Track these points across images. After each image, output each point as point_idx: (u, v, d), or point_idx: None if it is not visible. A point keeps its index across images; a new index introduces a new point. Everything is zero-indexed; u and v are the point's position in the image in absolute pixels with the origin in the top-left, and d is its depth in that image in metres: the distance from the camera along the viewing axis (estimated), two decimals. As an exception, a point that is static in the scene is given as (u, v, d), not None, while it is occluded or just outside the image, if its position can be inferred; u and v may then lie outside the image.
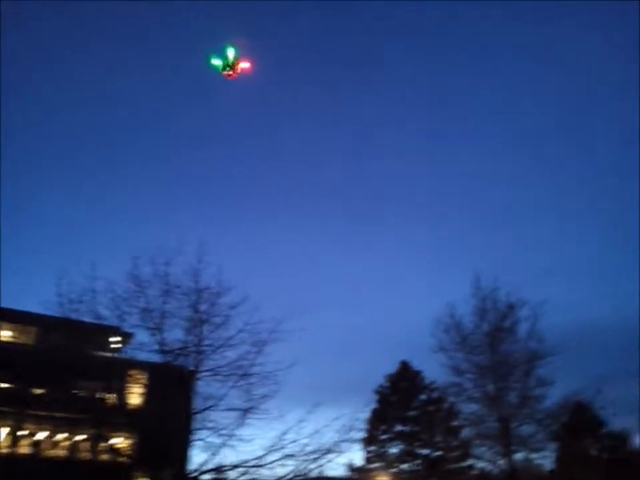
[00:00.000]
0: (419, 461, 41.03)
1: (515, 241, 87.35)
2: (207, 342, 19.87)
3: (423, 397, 42.71)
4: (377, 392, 42.29)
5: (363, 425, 33.26)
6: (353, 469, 40.32)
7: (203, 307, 20.01)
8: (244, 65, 14.45)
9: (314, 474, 20.21)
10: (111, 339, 23.11)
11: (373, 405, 40.55)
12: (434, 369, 33.31)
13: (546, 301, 29.76)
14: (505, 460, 29.18)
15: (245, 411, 19.59)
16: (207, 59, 14.41)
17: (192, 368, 19.88)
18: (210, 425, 19.43)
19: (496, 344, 29.89)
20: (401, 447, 41.82)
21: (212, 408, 19.56)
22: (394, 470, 39.67)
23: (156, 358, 20.30)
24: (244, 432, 19.40)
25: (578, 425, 34.80)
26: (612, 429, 39.00)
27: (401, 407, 42.13)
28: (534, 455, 31.07)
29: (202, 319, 19.82)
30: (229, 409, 19.61)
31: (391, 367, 44.26)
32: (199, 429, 19.55)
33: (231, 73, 14.42)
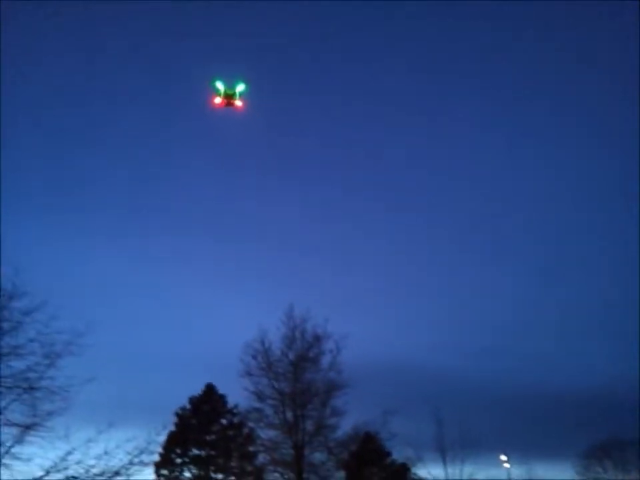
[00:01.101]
0: (211, 486, 40.59)
1: (326, 273, 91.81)
2: (-10, 349, 17.90)
3: (224, 421, 42.53)
4: (177, 414, 41.20)
5: (157, 448, 32.05)
6: (141, 493, 38.57)
7: (-10, 310, 18.02)
8: (239, 102, 14.28)
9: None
10: None
11: (171, 428, 39.34)
12: (238, 393, 33.55)
13: (348, 335, 31.78)
14: (294, 486, 30.11)
15: (26, 428, 17.87)
16: (213, 79, 14.09)
17: (-32, 376, 17.74)
18: (-18, 440, 17.41)
19: (299, 373, 31.09)
20: (195, 471, 41.04)
21: (-14, 422, 17.58)
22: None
23: None
24: (22, 450, 17.67)
25: (365, 454, 37.10)
26: (395, 459, 42.26)
27: (201, 431, 41.45)
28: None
29: (-13, 323, 17.85)
30: (7, 424, 17.76)
31: (196, 389, 43.61)
32: (-33, 444, 17.41)
33: (224, 102, 14.20)
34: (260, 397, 31.11)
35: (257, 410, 31.33)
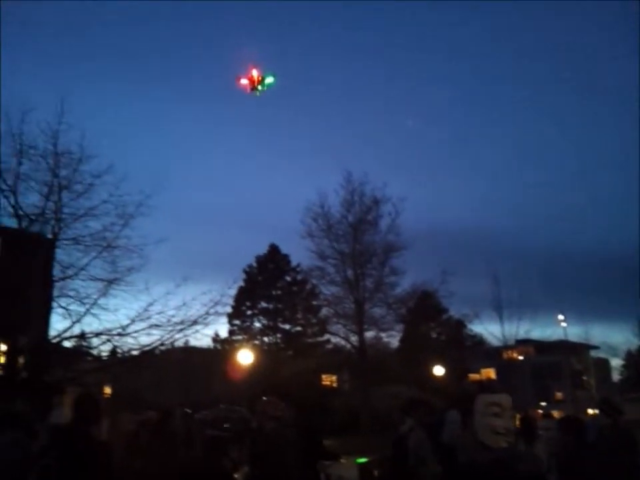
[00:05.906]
0: (279, 335, 43.85)
1: (386, 137, 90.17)
2: (67, 210, 18.91)
3: (288, 278, 44.84)
4: (245, 271, 43.67)
5: (229, 301, 34.29)
6: (217, 340, 42.41)
7: (62, 172, 18.80)
8: (260, 89, 13.49)
9: (179, 344, 20.90)
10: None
11: (241, 283, 41.86)
12: (300, 253, 34.95)
13: (406, 199, 31.81)
14: (357, 337, 32.05)
15: (109, 282, 19.26)
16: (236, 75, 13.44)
17: (50, 236, 19.07)
18: (71, 293, 19.04)
19: (358, 234, 31.74)
20: (264, 322, 44.22)
21: (73, 277, 19.05)
22: (256, 342, 42.15)
23: (10, 223, 19.17)
24: (108, 302, 19.21)
25: (423, 310, 38.60)
26: (452, 316, 43.78)
27: (267, 286, 44.05)
28: (383, 334, 34.24)
29: (61, 185, 18.65)
30: (91, 279, 19.23)
31: (260, 249, 45.66)
32: (59, 297, 19.10)
33: (249, 87, 13.45)
34: (321, 256, 32.22)
35: (319, 268, 32.60)
